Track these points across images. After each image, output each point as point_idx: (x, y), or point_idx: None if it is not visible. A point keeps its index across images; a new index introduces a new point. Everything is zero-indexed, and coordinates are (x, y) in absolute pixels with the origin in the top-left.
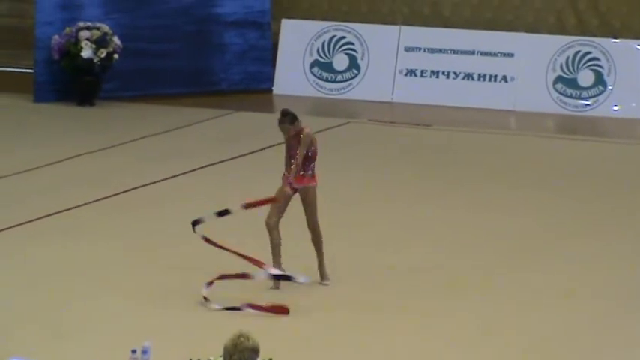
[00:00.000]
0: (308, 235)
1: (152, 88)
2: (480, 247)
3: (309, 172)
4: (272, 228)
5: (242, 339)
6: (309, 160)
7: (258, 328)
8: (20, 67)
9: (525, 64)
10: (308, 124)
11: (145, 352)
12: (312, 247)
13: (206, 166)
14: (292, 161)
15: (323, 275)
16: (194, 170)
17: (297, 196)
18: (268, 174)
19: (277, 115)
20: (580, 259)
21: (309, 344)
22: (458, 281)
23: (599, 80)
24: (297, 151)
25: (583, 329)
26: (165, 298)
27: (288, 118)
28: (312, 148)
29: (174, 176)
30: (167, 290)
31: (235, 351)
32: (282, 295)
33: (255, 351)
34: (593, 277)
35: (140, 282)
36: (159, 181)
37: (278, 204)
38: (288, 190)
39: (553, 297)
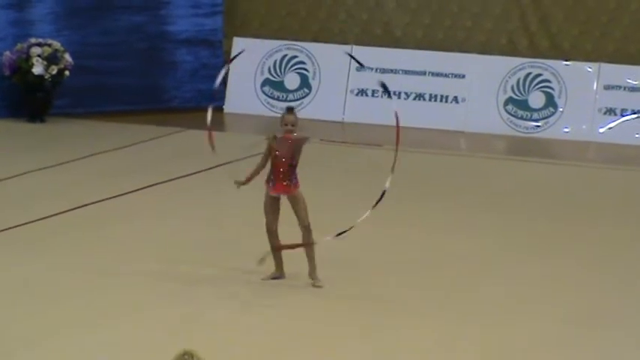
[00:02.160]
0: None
1: (103, 105)
2: (430, 267)
3: (294, 181)
4: (272, 234)
5: (187, 357)
6: (294, 168)
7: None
8: None
9: (476, 85)
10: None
11: None
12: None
13: (156, 184)
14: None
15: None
16: (144, 188)
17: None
18: (219, 192)
19: (228, 133)
20: (529, 280)
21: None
22: (410, 302)
23: (550, 102)
24: (284, 155)
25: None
26: (117, 317)
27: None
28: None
29: (125, 193)
30: (119, 307)
31: None
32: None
33: None
34: (541, 298)
35: (87, 300)
36: (109, 198)
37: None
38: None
39: (498, 316)
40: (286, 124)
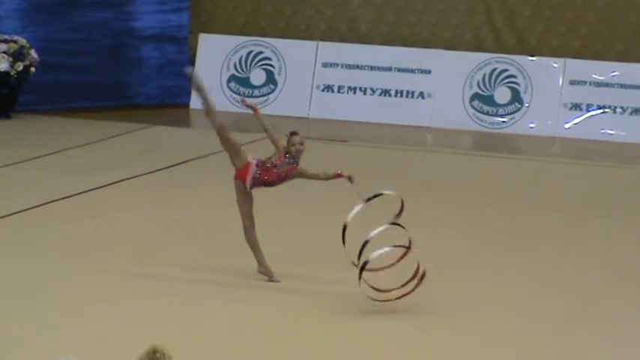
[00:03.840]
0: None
1: (69, 101)
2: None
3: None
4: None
5: (158, 355)
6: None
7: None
8: None
9: (442, 81)
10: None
11: None
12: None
13: (122, 180)
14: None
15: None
16: (110, 184)
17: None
18: (184, 187)
19: (195, 129)
20: (494, 275)
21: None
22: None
23: (516, 97)
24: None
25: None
26: (84, 313)
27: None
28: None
29: (90, 190)
30: (86, 303)
31: None
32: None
33: None
34: (506, 293)
35: (53, 296)
36: (75, 195)
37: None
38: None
39: (467, 313)
40: (294, 145)
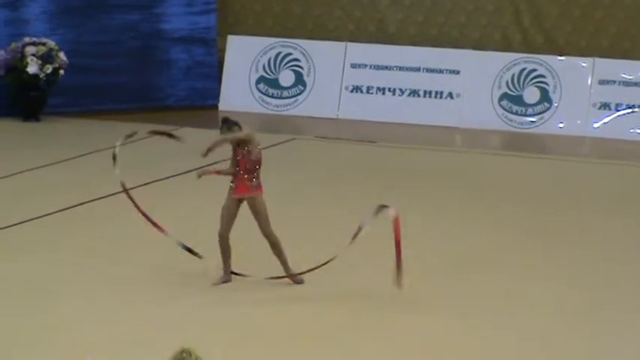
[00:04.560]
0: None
1: (98, 103)
2: (433, 255)
3: (254, 182)
4: (223, 237)
5: (185, 355)
6: (253, 169)
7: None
8: None
9: (471, 81)
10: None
11: None
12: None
13: (152, 182)
14: (237, 168)
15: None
16: (139, 186)
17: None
18: (212, 188)
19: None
20: (523, 272)
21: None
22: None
23: (545, 97)
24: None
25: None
26: (110, 315)
27: (226, 126)
28: (258, 156)
29: (120, 192)
30: (113, 305)
31: None
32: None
33: None
34: (535, 290)
35: (85, 298)
36: (106, 197)
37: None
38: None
39: (500, 308)
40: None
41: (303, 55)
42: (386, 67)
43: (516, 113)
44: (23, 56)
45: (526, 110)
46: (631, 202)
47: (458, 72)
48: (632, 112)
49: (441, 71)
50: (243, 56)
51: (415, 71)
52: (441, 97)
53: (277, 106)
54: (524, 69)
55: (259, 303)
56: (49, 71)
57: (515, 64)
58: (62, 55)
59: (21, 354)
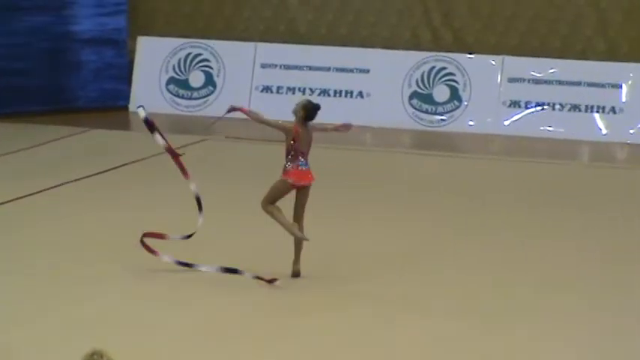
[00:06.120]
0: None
1: (8, 106)
2: (333, 261)
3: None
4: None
5: (95, 357)
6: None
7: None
8: None
9: (381, 80)
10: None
11: None
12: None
13: (62, 184)
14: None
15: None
16: (50, 188)
17: None
18: (125, 191)
19: (134, 132)
20: (437, 274)
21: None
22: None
23: (455, 95)
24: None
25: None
26: (24, 317)
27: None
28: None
29: (30, 194)
30: (25, 307)
31: None
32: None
33: None
34: (449, 293)
35: None
36: (14, 200)
37: None
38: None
39: (410, 313)
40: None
41: (213, 55)
42: (296, 67)
43: (426, 112)
44: None
45: (436, 109)
46: (542, 198)
47: (368, 71)
48: (541, 109)
49: (351, 70)
50: (153, 57)
51: (325, 71)
52: (351, 97)
53: (188, 106)
54: (433, 67)
55: (181, 303)
56: None
57: (424, 63)
58: None
59: None
